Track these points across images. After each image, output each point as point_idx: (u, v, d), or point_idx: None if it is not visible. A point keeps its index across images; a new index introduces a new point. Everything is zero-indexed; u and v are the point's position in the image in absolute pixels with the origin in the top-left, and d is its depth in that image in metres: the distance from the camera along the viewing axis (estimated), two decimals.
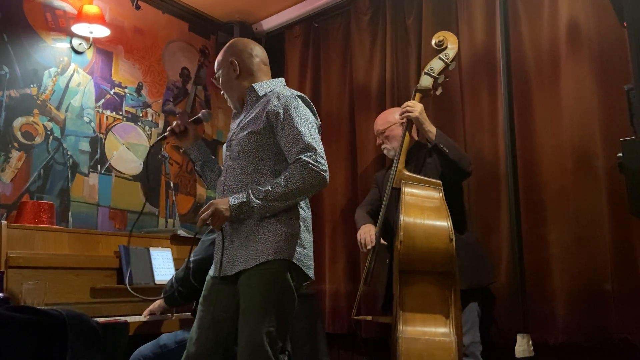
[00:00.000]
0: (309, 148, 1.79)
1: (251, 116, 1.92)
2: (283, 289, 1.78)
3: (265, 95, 1.95)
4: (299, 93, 1.93)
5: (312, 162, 1.78)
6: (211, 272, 1.94)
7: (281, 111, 1.84)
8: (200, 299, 1.92)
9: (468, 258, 2.39)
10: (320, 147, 1.83)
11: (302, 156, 1.78)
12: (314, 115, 1.94)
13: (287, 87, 2.00)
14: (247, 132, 1.89)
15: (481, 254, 2.56)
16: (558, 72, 2.67)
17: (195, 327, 1.87)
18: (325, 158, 1.83)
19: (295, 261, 1.79)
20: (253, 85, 1.98)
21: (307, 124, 1.85)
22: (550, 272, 2.57)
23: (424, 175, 2.45)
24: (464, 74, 3.02)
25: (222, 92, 2.10)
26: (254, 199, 1.76)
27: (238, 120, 2.01)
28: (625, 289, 2.34)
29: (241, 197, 1.77)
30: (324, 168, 1.80)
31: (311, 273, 1.88)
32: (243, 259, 1.81)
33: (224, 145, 2.08)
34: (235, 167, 1.91)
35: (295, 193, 1.78)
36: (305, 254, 1.85)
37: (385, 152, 2.74)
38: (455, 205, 2.44)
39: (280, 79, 2.07)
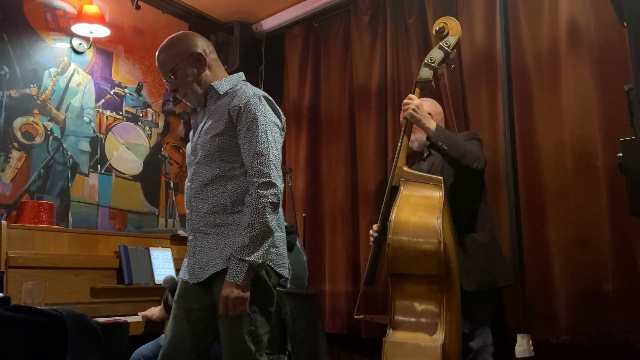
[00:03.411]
0: (260, 154, 1.76)
1: (214, 117, 1.87)
2: (259, 287, 1.76)
3: (226, 93, 1.90)
4: (262, 92, 1.88)
5: (262, 172, 1.74)
6: (183, 276, 1.92)
7: (242, 110, 1.80)
8: (175, 297, 1.90)
9: (479, 258, 2.31)
10: (273, 153, 1.78)
11: (254, 164, 1.75)
12: (277, 115, 1.89)
13: (249, 84, 1.95)
14: (211, 135, 1.84)
15: (495, 255, 2.43)
16: (558, 72, 2.67)
17: (170, 325, 1.86)
18: (276, 163, 1.78)
19: (267, 261, 1.77)
20: (212, 84, 1.92)
21: (266, 126, 1.80)
22: (551, 272, 2.56)
23: (439, 172, 2.38)
24: (465, 74, 3.02)
25: (173, 88, 1.94)
26: (249, 258, 1.69)
27: (201, 122, 1.94)
28: (625, 288, 2.34)
29: (239, 268, 1.69)
30: (273, 174, 1.75)
31: (284, 272, 1.86)
32: (213, 263, 1.79)
33: (188, 147, 2.02)
34: (201, 172, 1.86)
35: (269, 218, 1.72)
36: (277, 253, 1.83)
37: (409, 144, 2.64)
38: (471, 202, 2.39)
39: (239, 73, 2.00)
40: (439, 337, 1.98)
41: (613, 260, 2.38)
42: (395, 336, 2.03)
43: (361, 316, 2.61)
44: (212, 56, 1.96)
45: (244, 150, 1.80)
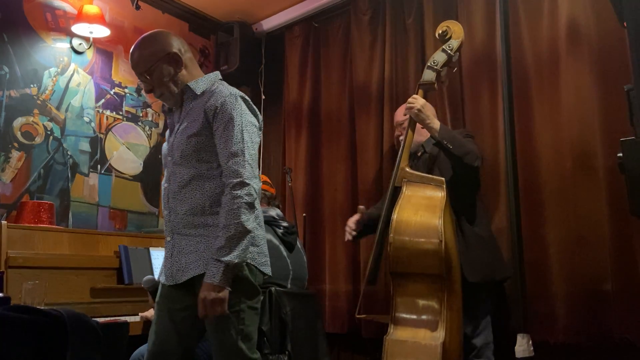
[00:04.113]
0: (236, 154, 1.75)
1: (190, 117, 1.87)
2: (244, 286, 1.78)
3: (203, 93, 1.89)
4: (239, 92, 1.88)
5: (237, 172, 1.74)
6: (161, 278, 1.92)
7: (218, 110, 1.80)
8: (157, 299, 1.90)
9: (481, 251, 2.35)
10: (249, 153, 1.78)
11: (229, 164, 1.75)
12: (254, 115, 1.89)
13: (226, 84, 1.94)
14: (187, 135, 1.84)
15: (495, 248, 2.50)
16: (558, 72, 2.67)
17: (154, 328, 1.87)
18: (252, 163, 1.78)
19: (249, 260, 1.78)
20: (188, 84, 1.90)
21: (242, 126, 1.80)
22: (550, 272, 2.56)
23: (437, 169, 2.41)
24: (465, 74, 3.01)
25: (148, 89, 1.93)
26: (224, 258, 1.68)
27: (177, 122, 1.93)
28: (625, 288, 2.34)
29: (216, 269, 1.68)
30: (247, 174, 1.74)
31: (267, 269, 1.87)
32: (193, 265, 1.78)
33: (163, 147, 2.01)
34: (178, 172, 1.85)
35: (244, 218, 1.72)
36: (258, 252, 1.83)
37: (401, 145, 2.64)
38: (469, 198, 2.42)
39: (215, 73, 2.00)
40: (440, 335, 2.00)
41: (612, 260, 2.38)
42: (396, 334, 2.05)
43: (363, 316, 2.62)
44: (187, 55, 1.95)
45: (219, 150, 1.80)
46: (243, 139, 1.78)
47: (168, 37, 1.94)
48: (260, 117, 1.93)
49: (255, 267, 1.81)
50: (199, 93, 1.89)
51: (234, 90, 1.88)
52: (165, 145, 2.00)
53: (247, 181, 1.74)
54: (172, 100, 1.95)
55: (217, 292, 1.68)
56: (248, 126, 1.82)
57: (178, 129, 1.90)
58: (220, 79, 1.97)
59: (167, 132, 2.02)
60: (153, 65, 1.88)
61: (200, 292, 1.70)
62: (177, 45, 1.93)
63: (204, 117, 1.82)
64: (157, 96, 1.95)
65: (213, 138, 1.82)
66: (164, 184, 1.93)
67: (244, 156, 1.76)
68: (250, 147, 1.79)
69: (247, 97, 1.89)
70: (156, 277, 2.20)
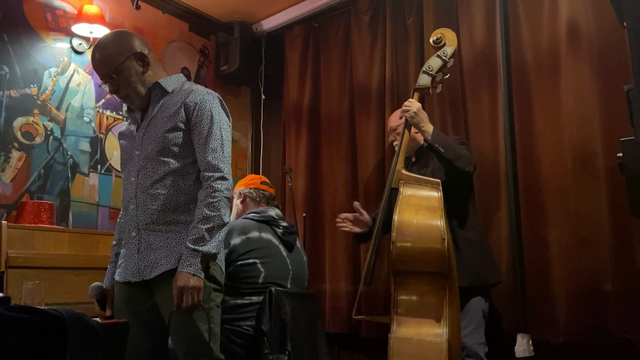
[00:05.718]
0: (215, 150, 1.81)
1: (166, 113, 1.87)
2: (213, 285, 1.80)
3: (173, 91, 1.92)
4: (215, 92, 1.94)
5: (217, 167, 1.79)
6: (119, 277, 1.89)
7: (197, 107, 1.84)
8: (118, 304, 1.89)
9: (471, 255, 2.38)
10: (227, 150, 1.86)
11: (208, 159, 1.80)
12: (228, 117, 1.94)
13: (195, 84, 1.99)
14: (163, 130, 1.84)
15: (486, 253, 2.52)
16: (558, 72, 2.67)
17: None
18: (229, 161, 1.85)
19: (217, 261, 1.82)
20: (159, 81, 1.92)
21: (221, 124, 1.86)
22: (551, 272, 2.56)
23: (430, 173, 2.43)
24: (465, 74, 3.01)
25: (113, 90, 1.91)
26: (202, 248, 1.72)
27: (146, 118, 1.93)
28: (625, 289, 2.34)
29: (192, 258, 1.71)
30: (227, 170, 1.82)
31: (224, 269, 1.91)
32: (164, 261, 1.78)
33: (123, 143, 2.00)
34: (150, 167, 1.85)
35: (223, 212, 1.77)
36: (223, 252, 1.90)
37: (396, 149, 2.70)
38: (461, 202, 2.44)
39: (180, 74, 2.04)
40: (444, 331, 2.02)
41: (613, 261, 2.38)
42: (400, 332, 2.06)
43: (360, 317, 2.62)
44: (151, 55, 1.96)
45: (198, 146, 1.83)
46: (222, 136, 1.85)
47: (133, 37, 1.95)
48: (231, 119, 1.99)
49: (220, 268, 1.85)
50: (170, 90, 1.92)
51: (210, 90, 1.94)
52: (123, 142, 2.00)
53: (227, 177, 1.81)
54: (137, 101, 1.94)
55: (194, 281, 1.69)
56: (224, 125, 1.89)
57: (148, 124, 1.90)
58: (187, 81, 2.02)
59: (127, 127, 2.02)
60: (120, 65, 1.87)
61: (177, 281, 1.70)
62: (142, 45, 1.94)
63: (182, 113, 1.85)
64: (122, 97, 1.94)
65: (190, 134, 1.85)
66: (130, 178, 1.91)
67: (223, 153, 1.82)
68: (226, 146, 1.86)
69: (220, 97, 1.95)
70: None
